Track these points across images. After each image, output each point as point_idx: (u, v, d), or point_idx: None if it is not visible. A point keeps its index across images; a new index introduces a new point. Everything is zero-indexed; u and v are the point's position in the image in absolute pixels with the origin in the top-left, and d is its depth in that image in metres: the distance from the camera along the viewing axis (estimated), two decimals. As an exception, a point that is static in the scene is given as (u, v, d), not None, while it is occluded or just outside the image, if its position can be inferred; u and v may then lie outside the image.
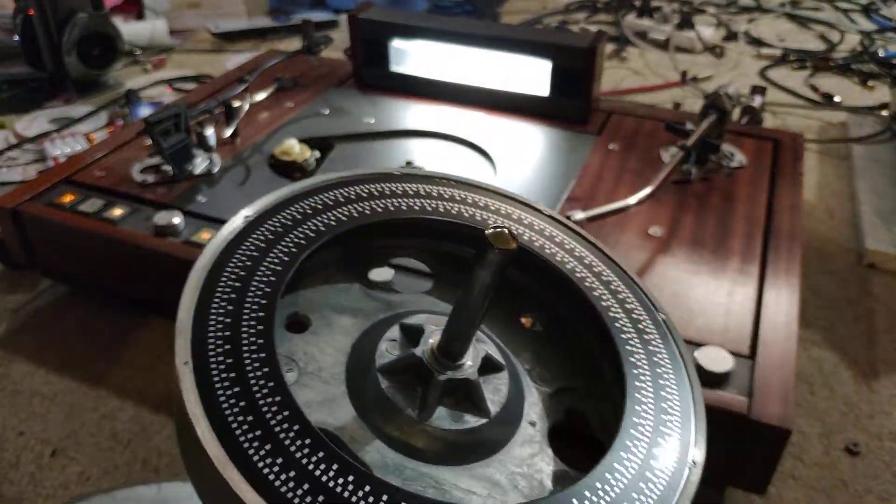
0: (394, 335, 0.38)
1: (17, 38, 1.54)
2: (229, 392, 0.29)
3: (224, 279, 0.35)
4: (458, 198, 0.44)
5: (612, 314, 0.40)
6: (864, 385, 0.92)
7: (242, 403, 0.29)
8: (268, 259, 0.37)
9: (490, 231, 0.31)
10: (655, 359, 0.39)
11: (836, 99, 1.60)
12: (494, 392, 0.38)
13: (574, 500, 0.31)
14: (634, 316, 0.41)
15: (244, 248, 0.37)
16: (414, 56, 1.26)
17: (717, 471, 0.74)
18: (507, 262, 0.32)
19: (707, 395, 0.68)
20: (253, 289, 0.35)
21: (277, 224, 0.39)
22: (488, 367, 0.38)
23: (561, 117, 1.18)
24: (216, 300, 0.34)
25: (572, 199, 0.98)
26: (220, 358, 0.31)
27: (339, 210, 0.41)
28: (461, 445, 0.36)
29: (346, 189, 0.43)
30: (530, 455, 0.37)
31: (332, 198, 0.42)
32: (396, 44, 1.26)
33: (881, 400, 0.90)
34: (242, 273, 0.36)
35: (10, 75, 1.61)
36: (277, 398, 0.30)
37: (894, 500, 0.78)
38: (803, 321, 0.97)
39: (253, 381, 0.30)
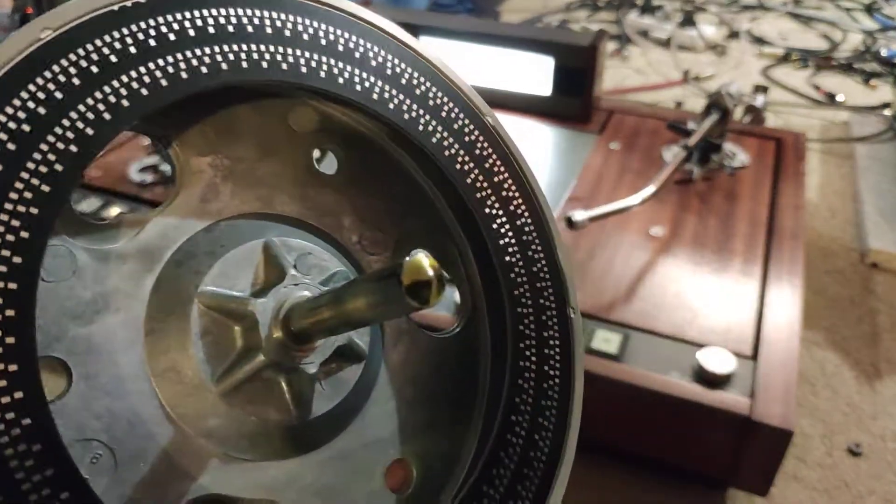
0: (203, 323, 0.26)
1: (16, 36, 1.54)
2: None
3: None
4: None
5: (421, 125, 0.30)
6: (866, 385, 0.91)
7: None
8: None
9: (409, 262, 0.21)
10: (496, 179, 0.31)
11: (839, 98, 1.59)
12: None
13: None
14: (455, 127, 0.30)
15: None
16: (414, 54, 1.26)
17: (720, 471, 0.74)
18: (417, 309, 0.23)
19: (709, 396, 0.67)
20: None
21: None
22: None
23: (562, 116, 1.17)
24: None
25: (573, 198, 0.97)
26: None
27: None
28: (347, 402, 0.29)
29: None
30: (405, 353, 0.31)
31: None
32: (397, 42, 1.25)
33: (884, 400, 0.89)
34: None
35: (9, 74, 1.60)
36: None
37: (897, 502, 0.78)
38: (806, 321, 0.97)
39: None
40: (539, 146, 1.12)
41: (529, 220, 0.31)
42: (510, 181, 0.31)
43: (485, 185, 0.31)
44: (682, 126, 1.01)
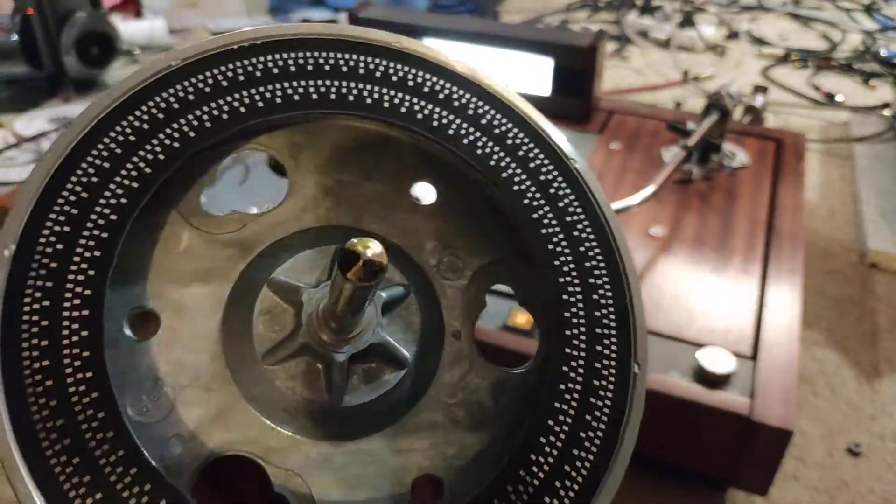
0: (266, 304, 0.31)
1: (15, 37, 1.54)
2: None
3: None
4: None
5: (494, 161, 0.32)
6: (866, 385, 0.91)
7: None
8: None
9: (346, 246, 0.25)
10: (568, 219, 0.31)
11: (839, 98, 1.59)
12: (406, 329, 0.32)
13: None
14: (532, 166, 0.32)
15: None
16: (414, 55, 1.26)
17: (719, 471, 0.74)
18: (366, 290, 0.27)
19: (709, 397, 0.67)
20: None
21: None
22: (391, 304, 0.32)
23: (562, 116, 1.17)
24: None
25: (573, 198, 0.97)
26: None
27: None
28: (387, 406, 0.31)
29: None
30: (461, 376, 0.32)
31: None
32: (396, 43, 1.25)
33: (883, 400, 0.89)
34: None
35: (8, 74, 1.60)
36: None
37: (897, 502, 0.78)
38: (805, 321, 0.97)
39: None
40: (539, 146, 1.12)
41: (602, 266, 0.31)
42: (585, 223, 0.31)
43: (553, 222, 0.31)
44: (681, 126, 1.01)
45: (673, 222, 0.92)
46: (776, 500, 0.77)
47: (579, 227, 0.31)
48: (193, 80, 0.29)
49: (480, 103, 0.32)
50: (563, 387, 0.29)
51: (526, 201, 0.31)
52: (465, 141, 0.32)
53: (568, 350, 0.30)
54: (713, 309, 0.78)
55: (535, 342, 0.71)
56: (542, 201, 0.31)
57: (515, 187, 0.32)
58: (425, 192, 0.34)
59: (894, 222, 1.16)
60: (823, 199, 1.29)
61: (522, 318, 0.75)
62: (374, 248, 0.25)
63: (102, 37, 1.58)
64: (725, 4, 2.20)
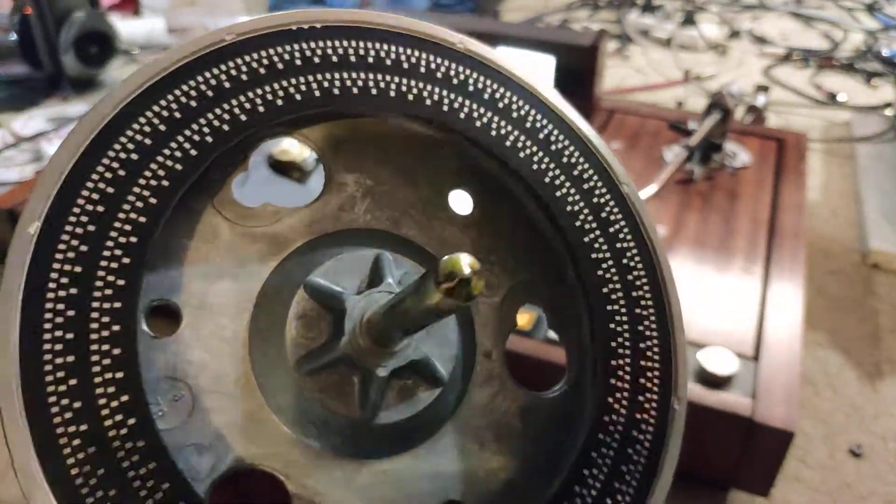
0: (302, 308, 0.28)
1: (13, 36, 1.54)
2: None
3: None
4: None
5: (549, 178, 0.30)
6: (868, 386, 0.91)
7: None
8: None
9: (445, 260, 0.22)
10: (619, 245, 0.30)
11: (840, 98, 1.59)
12: (442, 345, 0.30)
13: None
14: (585, 187, 0.31)
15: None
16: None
17: (721, 472, 0.73)
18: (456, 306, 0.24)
19: (710, 398, 0.67)
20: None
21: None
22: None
23: (562, 116, 1.17)
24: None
25: (574, 198, 0.97)
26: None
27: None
28: (416, 425, 0.29)
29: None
30: (491, 396, 0.31)
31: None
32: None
33: (886, 401, 0.89)
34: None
35: (7, 74, 1.60)
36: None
37: (900, 504, 0.77)
38: (807, 322, 0.97)
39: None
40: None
41: (648, 296, 0.30)
42: (634, 251, 0.30)
43: (604, 247, 0.30)
44: (683, 126, 1.00)
45: (674, 222, 0.92)
46: (778, 502, 0.77)
47: (628, 254, 0.30)
48: (247, 59, 0.27)
49: (539, 116, 0.31)
50: (607, 418, 0.28)
51: (578, 223, 0.30)
52: (522, 154, 0.30)
53: (613, 381, 0.29)
54: (715, 309, 0.78)
55: (536, 343, 0.72)
56: (594, 224, 0.30)
57: (569, 207, 0.30)
58: (461, 202, 0.32)
59: (896, 222, 1.16)
60: (825, 199, 1.28)
61: (523, 319, 0.74)
62: (472, 264, 0.22)
63: (101, 36, 1.57)
64: (727, 3, 2.19)
